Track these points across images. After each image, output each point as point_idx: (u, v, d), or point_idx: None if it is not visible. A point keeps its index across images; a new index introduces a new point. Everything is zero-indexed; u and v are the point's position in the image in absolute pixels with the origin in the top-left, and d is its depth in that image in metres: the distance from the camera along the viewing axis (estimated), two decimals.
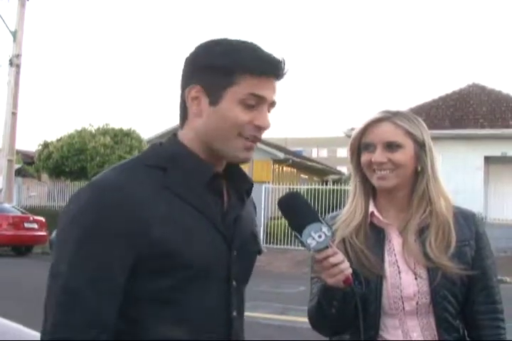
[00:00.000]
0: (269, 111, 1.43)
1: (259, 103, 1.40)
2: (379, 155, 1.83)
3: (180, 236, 1.34)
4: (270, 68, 1.40)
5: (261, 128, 1.41)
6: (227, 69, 1.38)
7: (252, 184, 1.55)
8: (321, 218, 1.53)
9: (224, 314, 1.41)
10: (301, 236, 1.50)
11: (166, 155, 1.43)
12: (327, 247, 1.51)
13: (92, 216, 1.29)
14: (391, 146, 1.84)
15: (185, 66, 1.45)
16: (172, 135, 1.49)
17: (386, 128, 1.85)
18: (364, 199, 1.92)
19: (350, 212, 1.91)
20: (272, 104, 1.44)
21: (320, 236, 1.49)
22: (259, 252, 1.58)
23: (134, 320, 1.34)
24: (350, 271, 1.56)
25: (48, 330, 1.27)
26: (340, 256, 1.54)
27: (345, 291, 1.63)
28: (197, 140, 1.43)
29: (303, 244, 1.50)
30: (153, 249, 1.30)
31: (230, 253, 1.43)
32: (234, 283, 1.43)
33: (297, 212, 1.52)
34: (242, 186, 1.52)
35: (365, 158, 1.88)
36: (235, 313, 1.43)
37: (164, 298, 1.34)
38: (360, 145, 1.90)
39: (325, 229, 1.49)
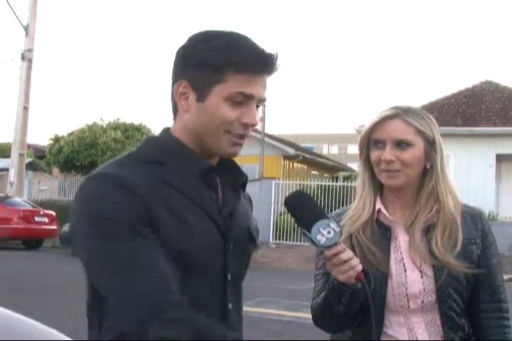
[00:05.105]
0: (257, 107, 1.42)
1: (247, 100, 1.38)
2: (388, 153, 1.80)
3: (179, 226, 1.34)
4: (260, 66, 1.37)
5: (249, 126, 1.40)
6: (215, 66, 1.36)
7: (247, 178, 1.55)
8: (328, 214, 1.52)
9: (220, 306, 1.41)
10: (310, 233, 1.49)
11: (163, 149, 1.43)
12: (336, 243, 1.51)
13: (98, 205, 1.30)
14: (400, 145, 1.80)
15: (175, 59, 1.44)
16: (165, 128, 1.50)
17: (396, 126, 1.81)
18: (373, 195, 1.90)
19: (358, 209, 1.89)
20: (261, 100, 1.41)
21: (329, 232, 1.48)
22: (255, 247, 1.57)
23: None
24: (360, 267, 1.55)
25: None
26: (349, 252, 1.54)
27: (354, 288, 1.62)
28: (187, 134, 1.44)
29: (312, 241, 1.49)
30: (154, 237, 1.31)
31: (226, 246, 1.42)
32: (229, 276, 1.43)
33: (304, 209, 1.51)
34: (236, 180, 1.52)
35: (374, 155, 1.85)
36: (230, 306, 1.43)
37: None
38: (369, 141, 1.88)
39: (333, 225, 1.49)
